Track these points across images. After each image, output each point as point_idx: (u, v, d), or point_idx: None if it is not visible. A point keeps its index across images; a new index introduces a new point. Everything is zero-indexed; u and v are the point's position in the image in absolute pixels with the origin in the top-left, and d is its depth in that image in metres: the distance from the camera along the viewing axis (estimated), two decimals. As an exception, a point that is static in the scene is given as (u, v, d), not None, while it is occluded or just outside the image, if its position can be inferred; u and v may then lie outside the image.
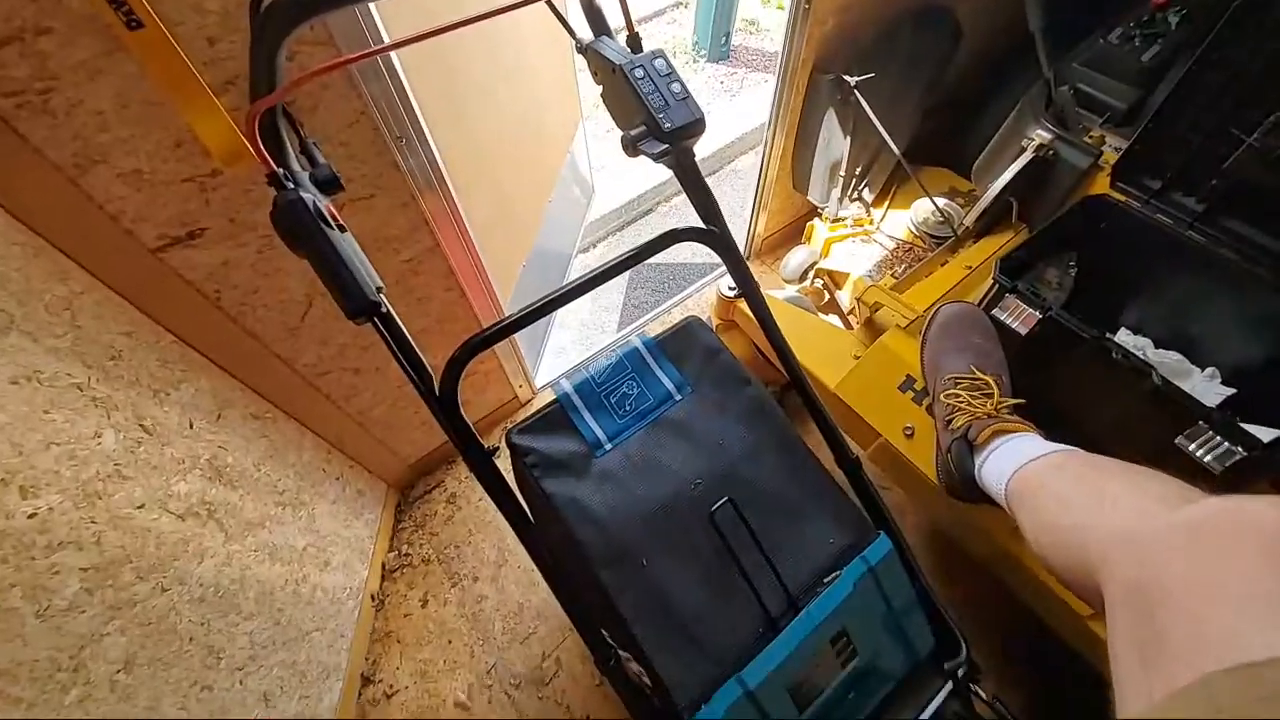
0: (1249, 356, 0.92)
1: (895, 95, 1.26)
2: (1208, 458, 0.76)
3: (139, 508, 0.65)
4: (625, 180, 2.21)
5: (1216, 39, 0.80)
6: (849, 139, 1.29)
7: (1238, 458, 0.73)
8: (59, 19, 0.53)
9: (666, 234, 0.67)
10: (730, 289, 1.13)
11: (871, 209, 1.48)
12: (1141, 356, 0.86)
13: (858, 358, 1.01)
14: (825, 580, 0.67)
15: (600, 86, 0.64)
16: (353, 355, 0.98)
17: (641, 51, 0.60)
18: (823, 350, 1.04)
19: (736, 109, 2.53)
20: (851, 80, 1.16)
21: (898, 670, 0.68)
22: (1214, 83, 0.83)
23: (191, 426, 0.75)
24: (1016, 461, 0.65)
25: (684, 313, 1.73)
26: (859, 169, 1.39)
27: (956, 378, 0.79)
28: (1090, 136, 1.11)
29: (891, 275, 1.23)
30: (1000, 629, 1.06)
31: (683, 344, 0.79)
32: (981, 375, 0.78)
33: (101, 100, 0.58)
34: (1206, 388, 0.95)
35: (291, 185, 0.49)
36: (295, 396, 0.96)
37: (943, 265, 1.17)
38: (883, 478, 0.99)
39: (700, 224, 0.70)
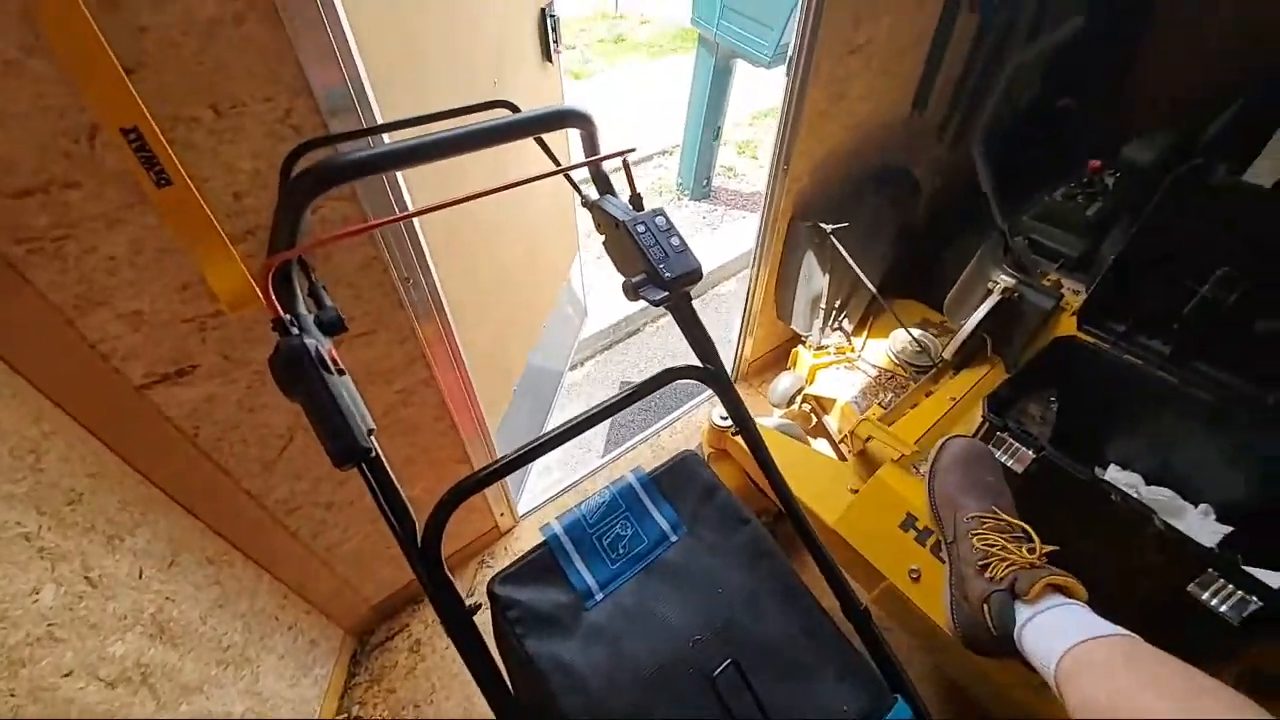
0: (1238, 491, 0.92)
1: (867, 238, 1.37)
2: (1223, 608, 0.73)
3: (66, 675, 0.57)
4: (616, 301, 2.31)
5: (1155, 209, 0.89)
6: (828, 276, 1.38)
7: (1254, 608, 0.71)
8: (89, 175, 0.55)
9: (664, 373, 0.68)
10: (723, 419, 1.13)
11: (852, 338, 1.54)
12: (1136, 496, 0.86)
13: (854, 491, 0.99)
14: (842, 760, 0.59)
15: (603, 236, 0.68)
16: (326, 490, 0.94)
17: (643, 209, 0.64)
18: (817, 483, 1.02)
19: (717, 241, 2.75)
20: (827, 228, 1.27)
21: None
22: (1159, 244, 0.90)
23: (141, 576, 0.68)
24: (1073, 635, 0.58)
25: (673, 434, 1.73)
26: (838, 302, 1.48)
27: (981, 517, 0.74)
28: (1048, 280, 1.20)
29: (879, 404, 1.25)
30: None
31: (678, 480, 0.77)
32: (1012, 519, 0.72)
33: (116, 247, 0.59)
34: (1202, 526, 0.93)
35: (296, 331, 0.49)
36: (259, 535, 0.90)
37: (927, 395, 1.20)
38: (885, 620, 0.92)
39: (697, 362, 0.71)
